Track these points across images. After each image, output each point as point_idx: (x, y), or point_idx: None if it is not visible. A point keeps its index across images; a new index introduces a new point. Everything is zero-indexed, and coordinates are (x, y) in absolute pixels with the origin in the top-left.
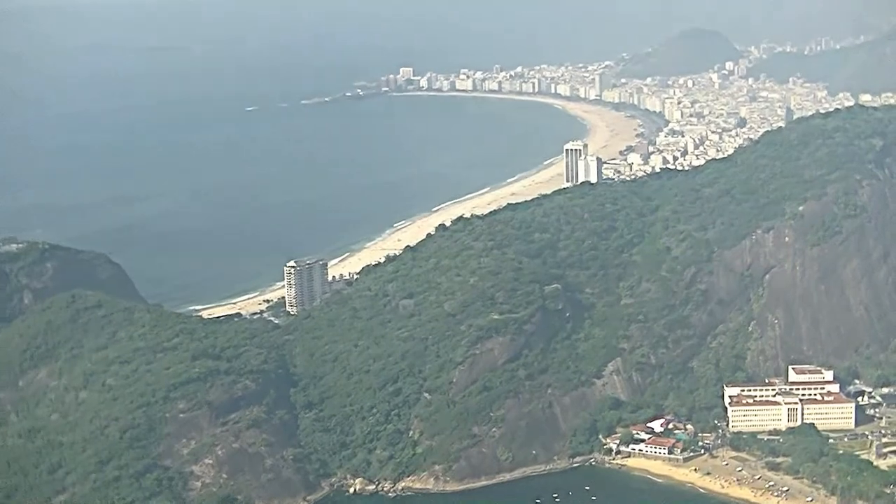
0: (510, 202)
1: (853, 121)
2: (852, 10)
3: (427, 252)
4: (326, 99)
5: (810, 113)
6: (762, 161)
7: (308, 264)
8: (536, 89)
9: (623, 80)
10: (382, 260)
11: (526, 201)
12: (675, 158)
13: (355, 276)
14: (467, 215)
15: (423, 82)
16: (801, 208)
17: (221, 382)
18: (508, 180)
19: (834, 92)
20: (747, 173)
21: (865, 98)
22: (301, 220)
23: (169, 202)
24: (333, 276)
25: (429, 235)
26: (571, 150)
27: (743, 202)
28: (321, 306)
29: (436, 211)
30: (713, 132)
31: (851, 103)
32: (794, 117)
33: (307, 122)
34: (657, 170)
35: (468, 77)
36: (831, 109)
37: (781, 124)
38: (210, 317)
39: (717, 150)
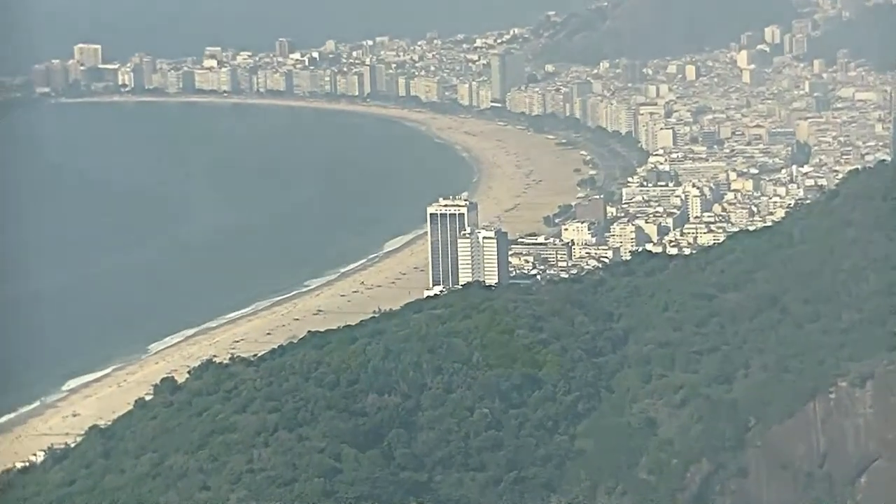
0: (312, 329)
1: None
2: None
3: (130, 441)
4: None
5: None
6: (847, 234)
7: None
8: (369, 88)
9: (549, 69)
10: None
11: (347, 327)
12: (665, 231)
13: None
14: (222, 358)
15: (126, 76)
16: None
17: None
18: (310, 283)
19: None
20: (815, 260)
21: None
22: None
23: None
24: None
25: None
26: (443, 215)
27: (808, 323)
28: None
29: (156, 353)
30: (741, 174)
31: None
32: None
33: None
34: (625, 254)
35: (220, 65)
36: None
37: (886, 157)
38: None
39: (752, 213)
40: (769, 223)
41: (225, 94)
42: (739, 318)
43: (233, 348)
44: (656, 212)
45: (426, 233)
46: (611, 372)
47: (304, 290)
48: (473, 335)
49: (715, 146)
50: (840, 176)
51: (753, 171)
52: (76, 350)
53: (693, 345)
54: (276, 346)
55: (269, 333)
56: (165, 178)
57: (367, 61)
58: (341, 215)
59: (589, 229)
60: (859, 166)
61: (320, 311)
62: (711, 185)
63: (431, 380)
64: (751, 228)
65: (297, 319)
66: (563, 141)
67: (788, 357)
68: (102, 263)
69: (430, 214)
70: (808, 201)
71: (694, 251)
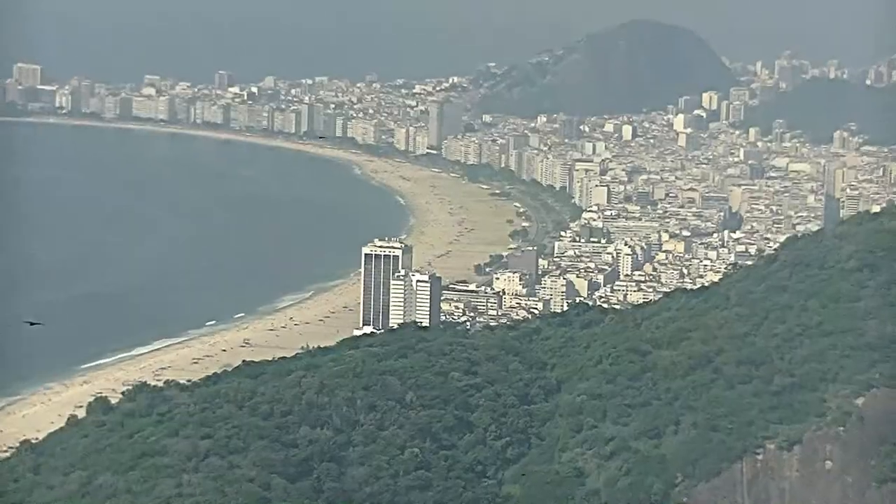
0: (239, 360)
1: None
2: None
3: (61, 458)
4: None
5: (877, 207)
6: (783, 299)
7: None
8: (306, 127)
9: (487, 119)
10: None
11: (282, 359)
12: (595, 286)
13: None
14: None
15: (63, 98)
16: (858, 402)
17: None
18: (238, 317)
19: None
20: (750, 323)
21: None
22: None
23: None
24: None
25: None
26: (377, 256)
27: (739, 384)
28: None
29: (83, 375)
30: (673, 235)
31: None
32: (843, 213)
33: None
34: (557, 307)
35: (158, 93)
36: None
37: (817, 226)
38: None
39: (682, 274)
40: (702, 285)
41: (162, 123)
42: (672, 375)
43: (159, 375)
44: (587, 267)
45: (358, 273)
46: (542, 420)
47: (233, 323)
48: (408, 375)
49: (648, 206)
50: (771, 244)
51: (685, 233)
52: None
53: (625, 398)
54: (209, 374)
55: (195, 362)
56: (98, 202)
57: (306, 99)
58: (273, 252)
59: (520, 280)
60: (798, 233)
61: (248, 343)
62: (643, 244)
63: (364, 416)
64: (685, 287)
65: (225, 350)
66: (497, 192)
67: (719, 417)
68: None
69: (365, 255)
70: (748, 263)
71: (623, 308)
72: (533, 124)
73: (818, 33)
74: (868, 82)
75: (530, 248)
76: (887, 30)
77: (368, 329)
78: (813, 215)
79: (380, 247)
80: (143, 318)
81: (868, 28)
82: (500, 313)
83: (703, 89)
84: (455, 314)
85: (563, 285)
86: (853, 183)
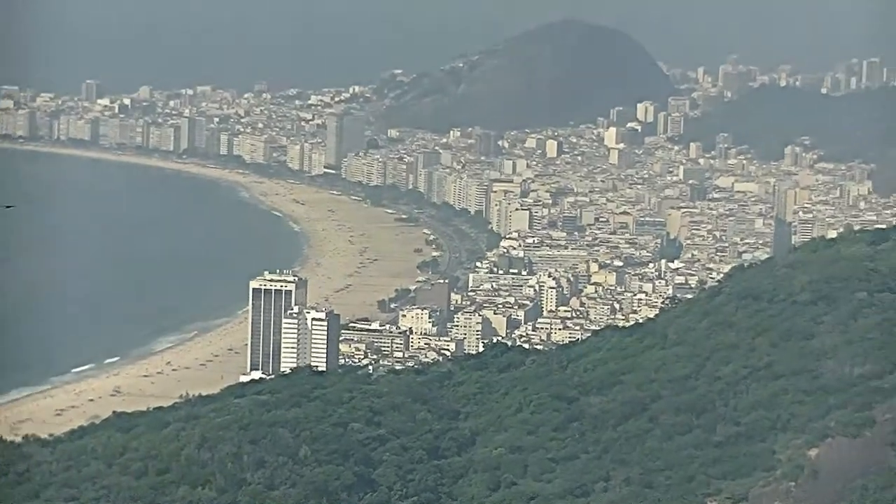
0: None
1: None
2: None
3: None
4: None
5: (834, 232)
6: (728, 337)
7: None
8: (186, 144)
9: (392, 134)
10: None
11: (158, 409)
12: (515, 324)
13: None
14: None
15: None
16: (811, 454)
17: None
18: (108, 362)
19: (888, 184)
20: (691, 364)
21: None
22: None
23: None
24: None
25: None
26: (267, 291)
27: (678, 434)
28: None
29: None
30: (603, 265)
31: None
32: (796, 240)
33: None
34: (471, 347)
35: (17, 106)
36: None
37: (766, 254)
38: None
39: (614, 309)
40: (637, 322)
41: (21, 141)
42: (602, 425)
43: (16, 429)
44: (506, 302)
45: (245, 310)
46: (454, 476)
47: (102, 368)
48: (302, 426)
49: (575, 233)
50: (714, 275)
51: (617, 263)
52: None
53: (549, 451)
54: (74, 427)
55: (59, 413)
56: None
57: (186, 113)
58: (148, 287)
59: (430, 317)
60: (745, 262)
61: (119, 391)
62: (569, 276)
63: (252, 474)
64: (618, 324)
65: (93, 400)
66: (404, 216)
67: (654, 471)
68: None
69: (253, 290)
70: (688, 296)
71: (547, 347)
72: (445, 140)
73: (767, 35)
74: (824, 90)
75: (441, 281)
76: (845, 31)
77: (257, 374)
78: (761, 242)
79: (270, 281)
80: None
81: (824, 29)
82: (406, 355)
83: (638, 99)
84: (356, 356)
85: (478, 323)
86: (807, 205)
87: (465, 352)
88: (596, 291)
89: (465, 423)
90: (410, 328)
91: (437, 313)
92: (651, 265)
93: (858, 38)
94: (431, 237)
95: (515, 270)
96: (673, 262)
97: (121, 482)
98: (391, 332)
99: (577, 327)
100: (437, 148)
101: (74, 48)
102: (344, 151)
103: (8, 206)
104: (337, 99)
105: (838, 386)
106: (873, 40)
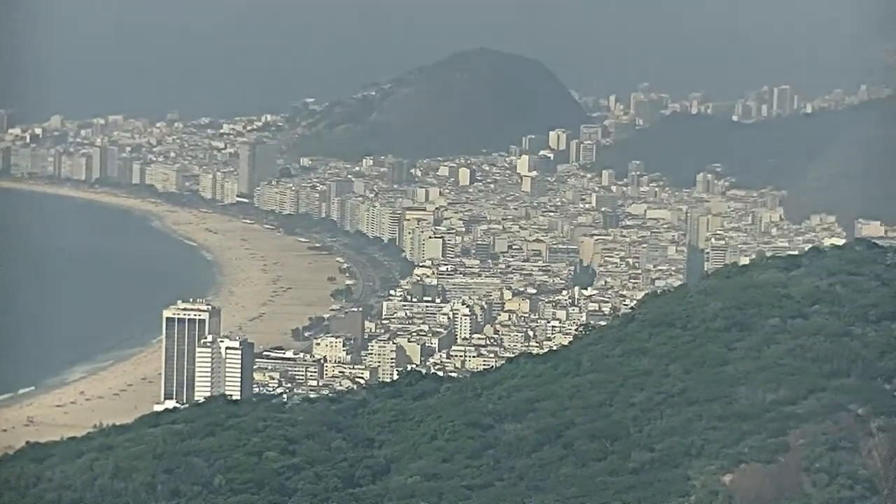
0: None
1: (850, 279)
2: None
3: None
4: None
5: (746, 259)
6: (642, 364)
7: None
8: (98, 173)
9: (305, 163)
10: None
11: (71, 440)
12: (429, 352)
13: None
14: None
15: None
16: (726, 479)
17: None
18: (20, 392)
19: (800, 210)
20: (605, 391)
21: (873, 229)
22: None
23: None
24: None
25: None
26: (181, 320)
27: (593, 461)
28: None
29: None
30: (516, 293)
31: (842, 239)
32: (708, 266)
33: None
34: (386, 375)
35: None
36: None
37: (678, 281)
38: None
39: (528, 337)
40: (546, 349)
41: None
42: (518, 452)
43: None
44: (420, 330)
45: (159, 340)
46: None
47: (14, 399)
48: (217, 455)
49: (489, 260)
50: (627, 302)
51: (531, 290)
52: None
53: (464, 478)
54: None
55: None
56: None
57: (98, 142)
58: (60, 317)
59: (344, 346)
60: (658, 289)
61: (32, 421)
62: (483, 303)
63: (166, 503)
64: (532, 352)
65: (6, 430)
66: (317, 245)
67: (570, 498)
68: None
69: (167, 319)
70: (602, 323)
71: (461, 375)
72: (357, 168)
73: (679, 63)
74: (735, 118)
75: (355, 310)
76: (754, 59)
77: (171, 403)
78: (674, 269)
79: (183, 309)
80: None
81: (735, 57)
82: (321, 383)
83: (551, 127)
84: (270, 385)
85: (392, 351)
86: (719, 232)
87: (380, 380)
88: (510, 319)
89: (380, 451)
90: (324, 356)
91: (352, 341)
92: (564, 292)
93: (769, 65)
94: (345, 265)
95: (429, 298)
96: (586, 289)
97: None
98: (305, 361)
99: (492, 355)
100: (349, 176)
101: None
102: (256, 180)
103: None
104: (249, 128)
105: (752, 412)
106: (784, 67)
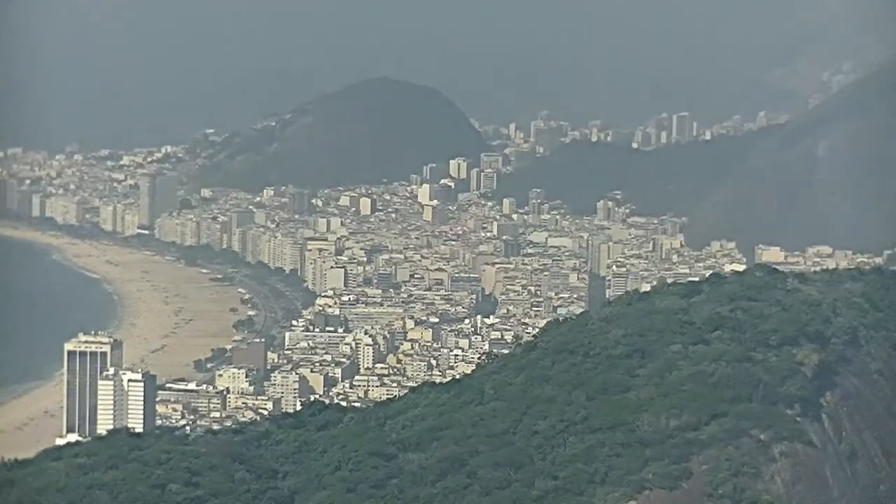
0: None
1: (750, 305)
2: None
3: None
4: None
5: (647, 286)
6: (545, 391)
7: None
8: None
9: (206, 194)
10: None
11: None
12: (332, 382)
13: None
14: None
15: None
16: None
17: None
18: None
19: (700, 236)
20: (509, 419)
21: (773, 254)
22: None
23: None
24: None
25: None
26: (82, 353)
27: (497, 489)
28: None
29: None
30: (419, 322)
31: (742, 265)
32: (610, 293)
33: None
34: (289, 406)
35: None
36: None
37: (580, 308)
38: None
39: (431, 366)
40: (449, 378)
41: None
42: (421, 481)
43: None
44: (323, 360)
45: (60, 373)
46: None
47: None
48: (120, 488)
49: (391, 290)
50: (529, 329)
51: (433, 319)
52: None
53: None
54: None
55: None
56: None
57: None
58: None
59: (246, 377)
60: (560, 316)
61: None
62: (386, 333)
63: None
64: (434, 381)
65: None
66: (219, 276)
67: None
68: None
69: (68, 352)
70: (504, 351)
71: (364, 406)
72: (258, 198)
73: (578, 91)
74: (634, 145)
75: (257, 340)
76: (654, 87)
77: (73, 437)
78: (576, 296)
79: (85, 342)
80: None
81: (633, 85)
82: (224, 415)
83: (451, 156)
84: (172, 417)
85: (295, 381)
86: (620, 259)
87: (283, 410)
88: (412, 348)
89: (284, 482)
90: (227, 388)
91: (254, 372)
92: (467, 321)
93: (668, 92)
94: (247, 296)
95: (331, 328)
96: (489, 317)
97: None
98: (208, 392)
99: (395, 384)
100: (250, 207)
101: None
102: (157, 212)
103: None
104: (149, 159)
105: (654, 438)
106: (683, 94)
